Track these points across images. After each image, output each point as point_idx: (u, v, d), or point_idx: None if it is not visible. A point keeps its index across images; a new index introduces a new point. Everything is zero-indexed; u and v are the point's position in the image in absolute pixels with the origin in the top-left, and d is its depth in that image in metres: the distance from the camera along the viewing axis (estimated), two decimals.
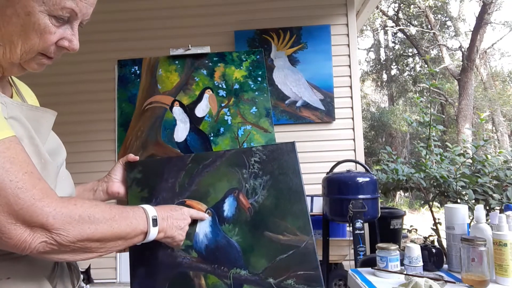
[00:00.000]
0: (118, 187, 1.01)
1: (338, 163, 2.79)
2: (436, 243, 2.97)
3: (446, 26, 13.62)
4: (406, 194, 10.16)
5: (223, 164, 1.01)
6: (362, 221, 2.30)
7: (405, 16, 13.70)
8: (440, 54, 12.39)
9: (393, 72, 15.32)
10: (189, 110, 1.57)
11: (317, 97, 3.66)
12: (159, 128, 1.55)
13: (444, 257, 1.45)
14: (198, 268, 0.92)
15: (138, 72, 1.64)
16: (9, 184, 0.60)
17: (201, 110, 1.57)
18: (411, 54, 14.41)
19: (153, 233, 0.81)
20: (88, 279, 3.25)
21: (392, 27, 14.08)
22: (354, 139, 3.69)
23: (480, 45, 10.79)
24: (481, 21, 10.12)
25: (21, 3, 0.67)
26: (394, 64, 15.05)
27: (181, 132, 1.55)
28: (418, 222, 5.40)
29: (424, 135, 3.74)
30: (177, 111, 1.57)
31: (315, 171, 3.24)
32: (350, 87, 3.73)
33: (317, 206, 3.08)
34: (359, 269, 1.47)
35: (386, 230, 3.21)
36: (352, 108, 3.71)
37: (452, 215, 1.42)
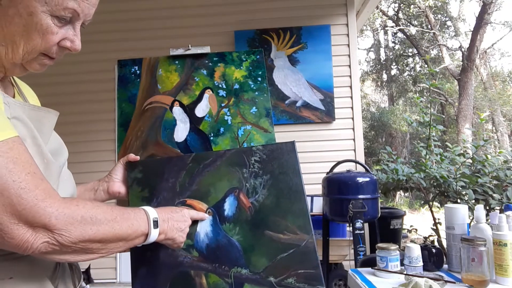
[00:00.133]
0: (119, 187, 1.02)
1: (338, 163, 2.79)
2: (436, 243, 2.97)
3: (446, 26, 13.62)
4: (406, 194, 10.16)
5: (224, 163, 1.01)
6: (362, 221, 2.30)
7: (405, 16, 13.70)
8: (440, 54, 12.39)
9: (393, 72, 15.33)
10: (189, 110, 1.57)
11: (317, 97, 3.66)
12: (159, 128, 1.55)
13: (444, 257, 1.45)
14: (199, 267, 0.93)
15: (138, 72, 1.64)
16: (12, 184, 0.60)
17: (201, 110, 1.57)
18: (411, 54, 14.41)
19: (154, 235, 0.81)
20: (88, 279, 3.25)
21: (392, 27, 14.08)
22: (354, 139, 3.69)
23: (480, 45, 10.79)
24: (481, 21, 10.12)
25: (24, 3, 0.67)
26: (394, 64, 15.06)
27: (181, 132, 1.55)
28: (418, 222, 5.40)
29: (424, 135, 3.75)
30: (177, 111, 1.57)
31: (315, 171, 3.24)
32: (350, 87, 3.73)
33: (317, 206, 3.08)
34: (359, 269, 1.47)
35: (386, 230, 3.21)
36: (352, 108, 3.71)
37: (452, 215, 1.42)
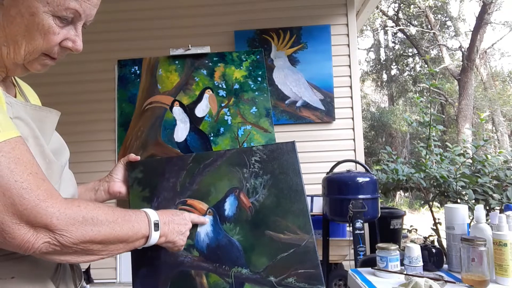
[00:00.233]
0: (119, 186, 1.02)
1: (338, 163, 2.79)
2: (436, 243, 2.97)
3: (446, 26, 13.62)
4: (406, 194, 10.16)
5: (224, 163, 1.01)
6: (362, 221, 2.30)
7: (405, 16, 13.70)
8: (440, 54, 12.39)
9: (393, 72, 15.33)
10: (189, 110, 1.57)
11: (317, 97, 3.66)
12: (159, 128, 1.55)
13: (444, 257, 1.45)
14: (200, 267, 0.93)
15: (138, 72, 1.64)
16: (14, 184, 0.60)
17: (201, 110, 1.57)
18: (411, 54, 14.41)
19: (155, 238, 0.81)
20: (88, 279, 3.25)
21: (392, 27, 14.08)
22: (354, 139, 3.69)
23: (480, 45, 10.79)
24: (481, 21, 10.12)
25: (26, 4, 0.67)
26: (394, 64, 15.06)
27: (181, 132, 1.55)
28: (418, 222, 5.40)
29: (424, 135, 3.75)
30: (177, 111, 1.57)
31: (315, 171, 3.24)
32: (350, 87, 3.73)
33: (317, 206, 3.08)
34: (359, 269, 1.47)
35: (386, 230, 3.21)
36: (352, 108, 3.71)
37: (452, 215, 1.42)
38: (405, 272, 1.32)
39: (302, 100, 3.66)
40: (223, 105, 1.57)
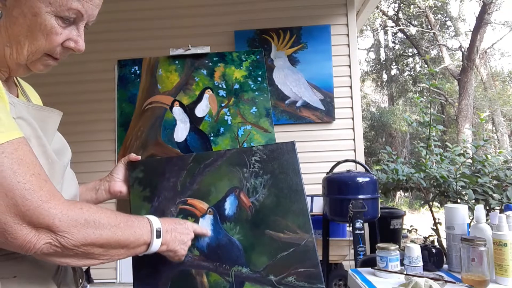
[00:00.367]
0: (120, 186, 1.02)
1: (338, 163, 2.79)
2: (436, 243, 2.97)
3: (446, 26, 13.62)
4: (406, 194, 10.16)
5: (224, 163, 1.02)
6: (362, 221, 2.30)
7: (405, 16, 13.70)
8: (440, 54, 12.40)
9: (393, 72, 15.33)
10: (189, 110, 1.57)
11: (317, 97, 3.66)
12: (159, 128, 1.55)
13: (444, 257, 1.45)
14: (200, 266, 0.93)
15: (138, 72, 1.64)
16: (17, 185, 0.60)
17: (201, 110, 1.57)
18: (411, 54, 14.41)
19: (156, 245, 0.80)
20: (88, 279, 3.26)
21: (392, 27, 14.08)
22: (354, 139, 3.69)
23: (480, 45, 10.80)
24: (481, 21, 10.12)
25: (28, 4, 0.67)
26: (394, 64, 15.06)
27: (181, 132, 1.55)
28: (418, 222, 5.39)
29: (424, 135, 3.75)
30: (177, 111, 1.57)
31: (315, 171, 3.24)
32: (350, 87, 3.73)
33: (317, 206, 3.08)
34: (359, 269, 1.47)
35: (386, 230, 3.21)
36: (352, 108, 3.71)
37: (452, 215, 1.42)
38: (405, 272, 1.32)
39: (302, 100, 3.66)
40: (223, 105, 1.57)
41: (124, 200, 1.04)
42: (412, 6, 13.01)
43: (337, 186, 2.45)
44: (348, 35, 3.78)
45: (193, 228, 0.90)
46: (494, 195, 2.63)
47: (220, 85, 1.61)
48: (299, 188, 0.98)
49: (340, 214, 2.41)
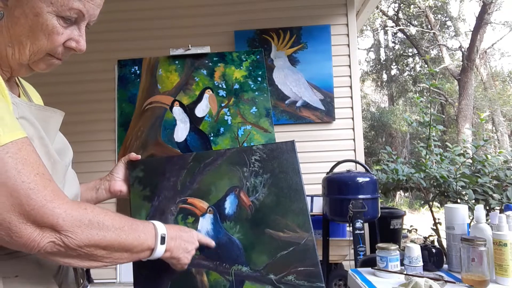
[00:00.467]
0: (120, 185, 1.02)
1: (338, 163, 2.79)
2: (436, 243, 2.97)
3: (446, 26, 13.62)
4: (406, 194, 10.16)
5: (224, 162, 1.02)
6: (362, 221, 2.30)
7: (405, 16, 13.70)
8: (440, 54, 12.40)
9: (393, 72, 15.33)
10: (189, 110, 1.57)
11: (317, 97, 3.66)
12: (159, 128, 1.56)
13: (444, 257, 1.45)
14: (200, 265, 0.93)
15: (138, 72, 1.64)
16: (21, 185, 0.61)
17: (201, 110, 1.57)
18: (411, 54, 14.41)
19: (160, 251, 0.80)
20: (88, 279, 3.26)
21: (392, 27, 14.08)
22: (354, 139, 3.69)
23: (480, 45, 10.80)
24: (481, 21, 10.12)
25: (30, 4, 0.67)
26: (394, 64, 15.06)
27: (181, 132, 1.55)
28: (418, 222, 5.39)
29: (424, 135, 3.75)
30: (177, 111, 1.57)
31: (315, 171, 3.24)
32: (350, 87, 3.73)
33: (317, 206, 3.08)
34: (359, 269, 1.47)
35: (386, 230, 3.21)
36: (352, 108, 3.71)
37: (452, 215, 1.42)
38: (405, 272, 1.32)
39: (302, 100, 3.66)
40: (223, 105, 1.58)
41: (124, 199, 1.04)
42: (412, 6, 13.02)
43: (337, 186, 2.45)
44: (348, 35, 3.78)
45: (198, 238, 0.90)
46: (494, 195, 2.64)
47: (220, 85, 1.61)
48: (299, 187, 0.98)
49: (340, 214, 2.41)
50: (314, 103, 3.66)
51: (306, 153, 3.53)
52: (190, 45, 1.65)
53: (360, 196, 2.35)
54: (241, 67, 1.63)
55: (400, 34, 14.26)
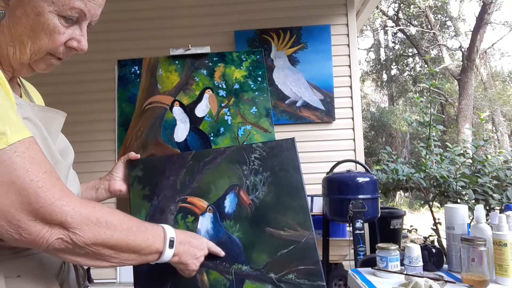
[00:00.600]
0: (120, 185, 1.02)
1: (338, 163, 2.79)
2: (436, 243, 2.97)
3: (446, 26, 13.63)
4: (406, 194, 10.16)
5: (224, 161, 1.01)
6: (362, 221, 2.30)
7: (405, 16, 13.70)
8: (440, 54, 12.40)
9: (393, 72, 15.33)
10: (189, 110, 1.57)
11: (317, 97, 3.66)
12: (159, 128, 1.56)
13: (444, 257, 1.45)
14: (200, 264, 0.93)
15: (138, 72, 1.64)
16: (30, 183, 0.61)
17: (201, 110, 1.58)
18: (411, 54, 14.41)
19: (168, 255, 0.79)
20: (88, 278, 3.26)
21: (392, 27, 14.08)
22: (354, 139, 3.69)
23: (480, 45, 10.80)
24: (481, 21, 10.12)
25: (31, 4, 0.68)
26: (394, 64, 15.06)
27: (181, 132, 1.55)
28: (418, 222, 5.39)
29: (424, 135, 3.75)
30: (177, 111, 1.57)
31: (315, 171, 3.24)
32: (350, 87, 3.73)
33: (317, 206, 3.08)
34: (359, 269, 1.47)
35: (386, 230, 3.21)
36: (352, 108, 3.71)
37: (452, 215, 1.42)
38: (405, 272, 1.32)
39: (302, 100, 3.66)
40: (223, 105, 1.58)
41: (124, 199, 1.04)
42: (412, 6, 13.02)
43: (337, 186, 2.45)
44: (348, 35, 3.78)
45: (208, 246, 0.89)
46: (494, 195, 2.64)
47: (220, 85, 1.61)
48: (299, 185, 0.98)
49: (340, 214, 2.41)
50: (314, 103, 3.66)
51: (306, 153, 3.53)
52: (190, 45, 1.65)
53: (360, 196, 2.35)
54: (241, 67, 1.63)
55: (400, 34, 14.27)
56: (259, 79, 1.61)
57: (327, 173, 2.69)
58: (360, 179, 2.42)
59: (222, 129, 1.54)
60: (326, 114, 3.64)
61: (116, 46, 3.77)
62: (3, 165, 0.60)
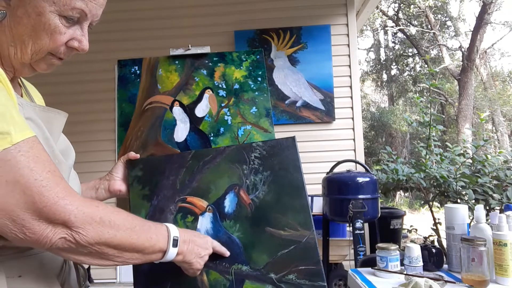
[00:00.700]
0: (119, 185, 1.02)
1: (338, 163, 2.79)
2: (436, 243, 2.97)
3: (446, 26, 13.62)
4: (406, 194, 10.16)
5: (224, 160, 1.01)
6: (362, 221, 2.30)
7: (405, 16, 13.70)
8: (440, 54, 12.40)
9: (393, 72, 15.33)
10: (189, 110, 1.57)
11: (317, 97, 3.66)
12: (159, 128, 1.55)
13: (444, 257, 1.45)
14: None
15: (138, 72, 1.64)
16: (34, 183, 0.61)
17: (201, 110, 1.57)
18: (411, 54, 14.41)
19: (172, 254, 0.78)
20: (88, 278, 3.26)
21: (392, 27, 14.08)
22: (354, 139, 3.69)
23: (480, 45, 10.80)
24: (481, 21, 10.12)
25: (32, 4, 0.68)
26: (394, 64, 15.06)
27: (181, 132, 1.55)
28: (418, 222, 5.39)
29: (424, 135, 3.75)
30: (177, 111, 1.57)
31: (315, 171, 3.24)
32: (350, 87, 3.73)
33: (317, 206, 3.08)
34: (359, 269, 1.47)
35: (386, 230, 3.21)
36: (352, 108, 3.71)
37: (452, 215, 1.42)
38: (405, 272, 1.32)
39: (302, 100, 3.66)
40: (223, 105, 1.57)
41: (123, 199, 1.04)
42: (412, 6, 13.01)
43: (337, 186, 2.45)
44: (348, 35, 3.78)
45: (213, 245, 0.89)
46: (494, 195, 2.63)
47: (220, 85, 1.61)
48: (300, 184, 0.97)
49: (340, 214, 2.41)
50: (314, 103, 3.66)
51: (306, 153, 3.53)
52: (190, 45, 1.65)
53: (360, 196, 2.35)
54: (241, 67, 1.63)
55: (400, 34, 14.27)
56: (259, 79, 1.61)
57: (327, 173, 2.69)
58: (360, 179, 2.42)
59: (222, 129, 1.54)
60: (326, 114, 3.64)
61: (116, 46, 3.77)
62: (8, 164, 0.60)
